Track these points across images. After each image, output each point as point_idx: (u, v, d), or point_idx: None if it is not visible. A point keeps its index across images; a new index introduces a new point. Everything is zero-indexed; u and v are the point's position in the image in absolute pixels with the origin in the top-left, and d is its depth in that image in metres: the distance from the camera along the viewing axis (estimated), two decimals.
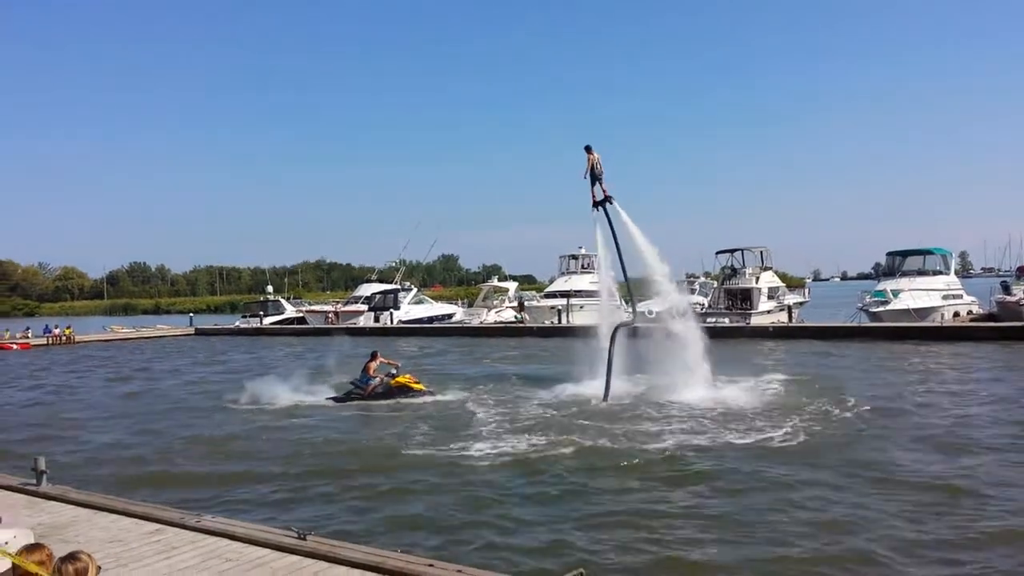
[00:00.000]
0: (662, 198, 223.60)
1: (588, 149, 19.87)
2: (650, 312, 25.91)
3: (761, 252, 43.46)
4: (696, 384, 17.91)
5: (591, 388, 18.47)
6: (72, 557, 3.55)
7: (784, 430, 13.41)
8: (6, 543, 4.58)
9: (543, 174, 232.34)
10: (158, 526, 7.35)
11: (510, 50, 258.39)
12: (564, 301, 45.60)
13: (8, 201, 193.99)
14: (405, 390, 18.76)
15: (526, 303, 50.49)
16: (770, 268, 44.11)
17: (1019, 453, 11.61)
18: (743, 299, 40.48)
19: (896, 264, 39.57)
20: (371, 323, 49.07)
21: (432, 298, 62.73)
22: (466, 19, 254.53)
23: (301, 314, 56.24)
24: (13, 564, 3.52)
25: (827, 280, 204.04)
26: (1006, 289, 37.92)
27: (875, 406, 15.54)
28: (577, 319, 41.14)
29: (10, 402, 21.77)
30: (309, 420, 16.43)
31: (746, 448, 12.31)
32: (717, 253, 44.37)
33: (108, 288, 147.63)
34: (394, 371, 19.22)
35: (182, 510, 8.00)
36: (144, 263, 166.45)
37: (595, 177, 19.84)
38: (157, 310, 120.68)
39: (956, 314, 35.98)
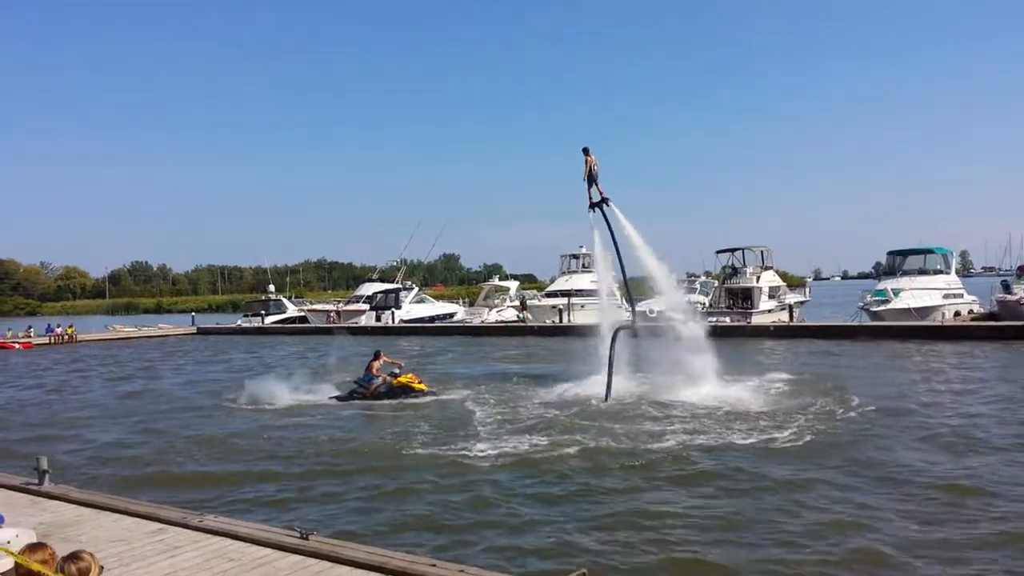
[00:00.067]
0: (662, 198, 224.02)
1: (586, 151, 20.04)
2: (651, 311, 25.93)
3: (762, 251, 43.47)
4: (702, 382, 17.91)
5: (593, 387, 18.44)
6: (75, 557, 3.54)
7: (789, 430, 13.38)
8: (8, 542, 4.56)
9: (544, 173, 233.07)
10: (160, 526, 7.33)
11: (510, 50, 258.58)
12: (565, 300, 45.64)
13: (9, 201, 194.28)
14: (407, 390, 18.74)
15: (528, 302, 50.50)
16: (771, 267, 44.12)
17: None
18: (744, 298, 40.48)
19: (897, 263, 39.54)
20: (372, 322, 49.10)
21: (433, 297, 62.77)
22: (466, 19, 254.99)
23: (303, 313, 56.27)
24: (16, 563, 3.50)
25: (828, 279, 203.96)
26: (1007, 288, 37.92)
27: (879, 406, 15.50)
28: (578, 318, 41.15)
29: (12, 401, 21.77)
30: (311, 419, 16.41)
31: (751, 448, 12.28)
32: (718, 252, 44.45)
33: (110, 287, 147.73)
34: (397, 371, 19.21)
35: (184, 510, 7.99)
36: (146, 262, 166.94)
37: (592, 179, 20.03)
38: (159, 309, 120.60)
39: (957, 313, 35.95)
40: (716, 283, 45.14)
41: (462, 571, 5.90)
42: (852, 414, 14.81)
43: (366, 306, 51.81)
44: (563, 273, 51.86)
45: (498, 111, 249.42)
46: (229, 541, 6.80)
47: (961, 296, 37.82)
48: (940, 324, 32.42)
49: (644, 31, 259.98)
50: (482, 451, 12.44)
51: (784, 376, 20.18)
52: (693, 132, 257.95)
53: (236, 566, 6.18)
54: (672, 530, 8.46)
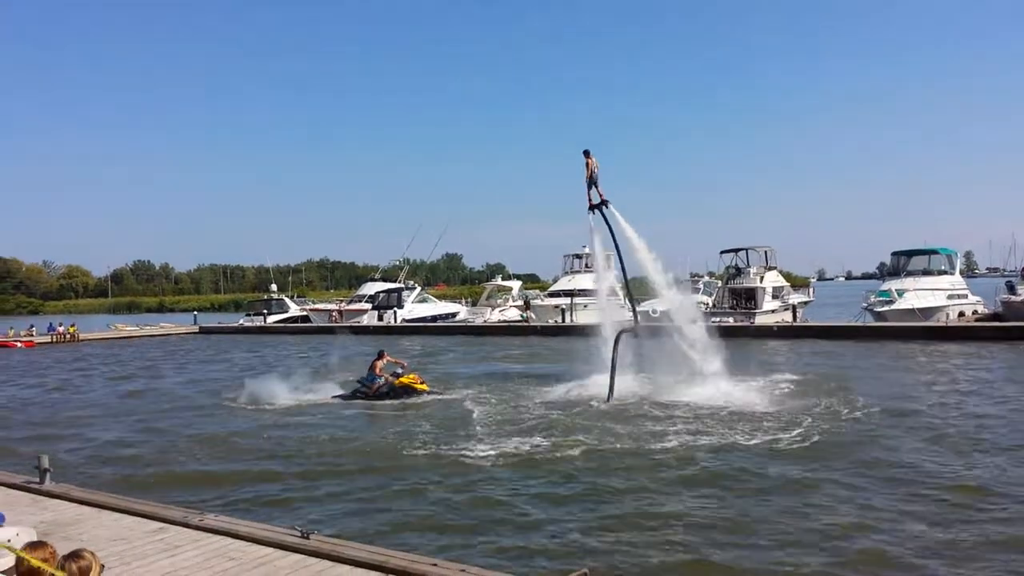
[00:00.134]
0: (662, 198, 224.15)
1: (587, 153, 20.16)
2: (654, 311, 25.90)
3: (765, 252, 43.43)
4: (707, 382, 17.86)
5: (596, 388, 18.39)
6: (75, 555, 3.51)
7: (793, 431, 13.31)
8: (9, 541, 4.52)
9: (544, 173, 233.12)
10: (161, 525, 7.30)
11: (510, 50, 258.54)
12: (568, 300, 45.60)
13: (11, 200, 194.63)
14: (409, 391, 18.71)
15: (532, 302, 50.49)
16: (774, 267, 44.06)
17: None
18: (747, 298, 40.42)
19: (901, 264, 39.47)
20: (375, 322, 49.13)
21: (436, 297, 62.74)
22: (466, 19, 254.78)
23: (305, 313, 56.24)
24: (17, 559, 3.46)
25: (832, 280, 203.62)
26: (1011, 289, 37.73)
27: (884, 406, 15.42)
28: (581, 318, 41.11)
29: (14, 400, 21.77)
30: (312, 419, 16.38)
31: (755, 448, 12.22)
32: (721, 252, 44.45)
33: (112, 286, 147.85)
34: (400, 370, 19.17)
35: (185, 509, 7.96)
36: (148, 261, 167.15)
37: (592, 181, 20.13)
38: (161, 308, 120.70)
39: (961, 314, 35.85)
40: (720, 283, 45.10)
41: (463, 570, 5.86)
42: (857, 415, 14.73)
43: (368, 305, 51.80)
44: (566, 273, 51.82)
45: (498, 111, 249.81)
46: (230, 540, 6.76)
47: (965, 297, 37.74)
48: (944, 325, 32.34)
49: (644, 31, 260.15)
50: (484, 451, 12.40)
51: (788, 376, 20.11)
52: (693, 132, 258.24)
53: (237, 565, 6.14)
54: (675, 530, 8.40)
